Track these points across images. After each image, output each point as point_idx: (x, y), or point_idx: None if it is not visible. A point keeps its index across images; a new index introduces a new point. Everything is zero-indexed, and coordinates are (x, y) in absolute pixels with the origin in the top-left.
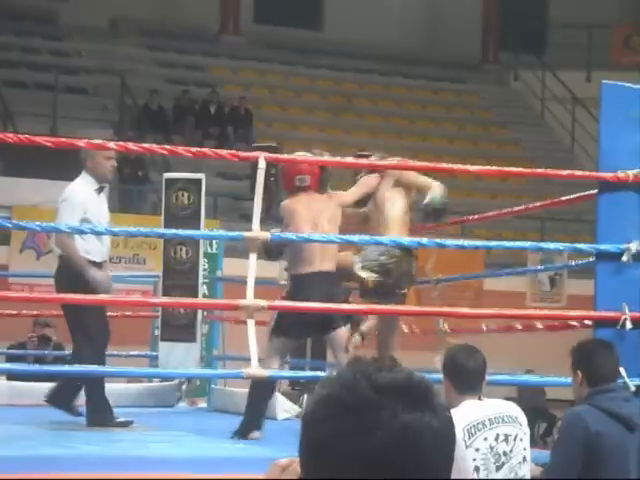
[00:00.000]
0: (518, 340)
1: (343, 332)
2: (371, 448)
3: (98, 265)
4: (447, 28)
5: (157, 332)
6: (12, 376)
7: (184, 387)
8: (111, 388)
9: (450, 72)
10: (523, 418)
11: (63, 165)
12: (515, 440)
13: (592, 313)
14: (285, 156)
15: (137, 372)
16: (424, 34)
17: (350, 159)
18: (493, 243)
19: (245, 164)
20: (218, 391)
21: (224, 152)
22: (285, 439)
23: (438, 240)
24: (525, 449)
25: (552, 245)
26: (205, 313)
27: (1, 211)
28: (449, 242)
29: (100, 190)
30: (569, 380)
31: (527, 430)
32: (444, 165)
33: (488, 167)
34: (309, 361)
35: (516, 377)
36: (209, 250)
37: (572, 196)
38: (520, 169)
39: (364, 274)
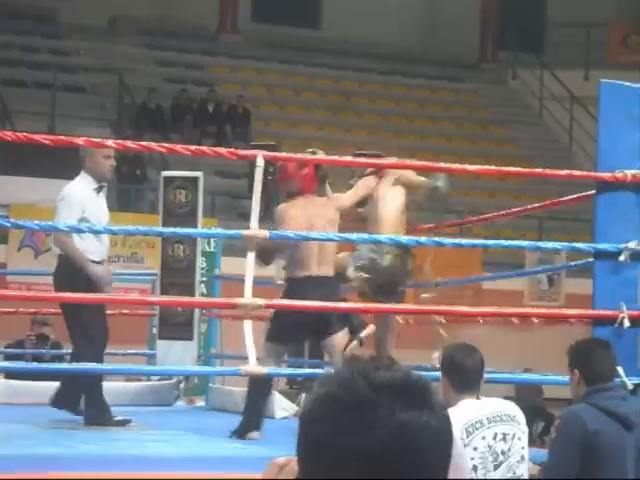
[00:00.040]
0: (516, 339)
1: (340, 337)
2: (369, 447)
3: (97, 264)
4: (445, 27)
5: (155, 330)
6: (10, 374)
7: (182, 386)
8: (109, 386)
9: (448, 71)
10: (521, 417)
11: (61, 163)
12: (513, 439)
13: (590, 311)
14: (283, 154)
15: (135, 369)
16: (423, 33)
17: (349, 158)
18: (491, 242)
19: (243, 163)
20: (216, 390)
21: (222, 150)
22: (283, 438)
23: (436, 239)
24: (523, 448)
25: (550, 244)
26: (204, 311)
27: None
28: (447, 241)
29: (99, 189)
30: (567, 379)
31: (525, 429)
32: (442, 164)
33: (486, 166)
34: (307, 360)
35: (514, 375)
36: (207, 248)
37: (571, 197)
38: (518, 168)
39: (353, 273)
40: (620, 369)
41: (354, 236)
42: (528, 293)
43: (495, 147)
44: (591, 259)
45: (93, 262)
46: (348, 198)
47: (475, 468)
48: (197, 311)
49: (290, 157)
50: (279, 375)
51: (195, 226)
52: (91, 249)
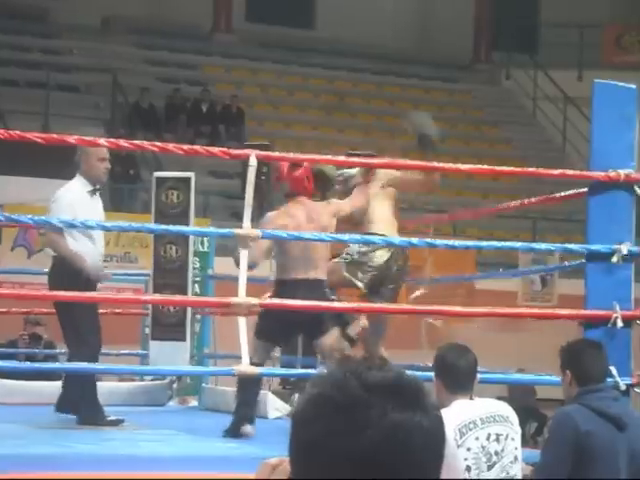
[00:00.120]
0: (510, 340)
1: (331, 338)
2: (361, 447)
3: None
4: (439, 27)
5: (147, 331)
6: (3, 374)
7: (175, 386)
8: (102, 386)
9: (442, 71)
10: (514, 418)
11: (56, 163)
12: (506, 439)
13: (583, 312)
14: (276, 154)
15: (128, 369)
16: (416, 33)
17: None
18: (484, 243)
19: (236, 163)
20: (209, 390)
21: (215, 150)
22: (276, 438)
23: (429, 240)
24: (516, 448)
25: (543, 245)
26: (198, 312)
27: None
28: (439, 242)
29: (94, 192)
30: (560, 379)
31: (518, 430)
32: (436, 164)
33: (480, 166)
34: (300, 359)
35: (507, 376)
36: (200, 249)
37: (565, 193)
38: (512, 168)
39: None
40: (613, 369)
41: (346, 236)
42: (522, 294)
43: (489, 147)
44: (584, 260)
45: None
46: (346, 205)
47: (468, 469)
48: (189, 312)
49: (283, 157)
50: (272, 375)
51: (187, 226)
52: (84, 251)
